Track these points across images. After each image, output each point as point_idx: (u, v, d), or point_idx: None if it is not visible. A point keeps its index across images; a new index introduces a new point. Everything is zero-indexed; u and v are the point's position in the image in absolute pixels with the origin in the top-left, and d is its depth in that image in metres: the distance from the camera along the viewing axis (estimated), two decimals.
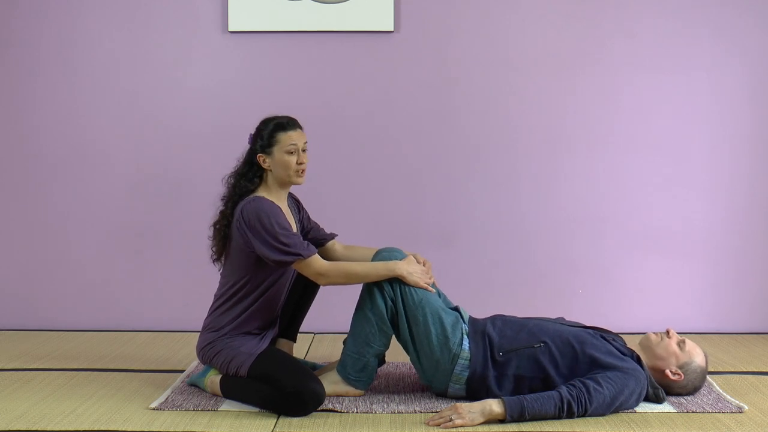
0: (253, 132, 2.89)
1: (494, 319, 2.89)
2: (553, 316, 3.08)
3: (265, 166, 2.83)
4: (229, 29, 3.90)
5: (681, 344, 2.80)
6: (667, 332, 2.83)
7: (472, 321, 2.86)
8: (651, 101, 3.92)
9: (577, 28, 3.91)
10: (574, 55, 3.92)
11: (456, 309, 2.89)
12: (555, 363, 2.71)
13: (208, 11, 3.92)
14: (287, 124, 2.85)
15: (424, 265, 2.86)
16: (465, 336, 2.77)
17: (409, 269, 2.78)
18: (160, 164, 3.96)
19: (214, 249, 2.90)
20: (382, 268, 2.77)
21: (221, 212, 2.86)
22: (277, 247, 2.71)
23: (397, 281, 2.77)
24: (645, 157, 3.93)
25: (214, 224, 2.88)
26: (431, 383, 2.83)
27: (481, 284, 3.94)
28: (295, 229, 2.89)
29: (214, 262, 2.93)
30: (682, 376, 2.78)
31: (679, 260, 3.95)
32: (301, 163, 2.83)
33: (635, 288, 3.96)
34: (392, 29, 3.89)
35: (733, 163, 3.94)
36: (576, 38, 3.91)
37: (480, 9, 3.91)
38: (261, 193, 2.84)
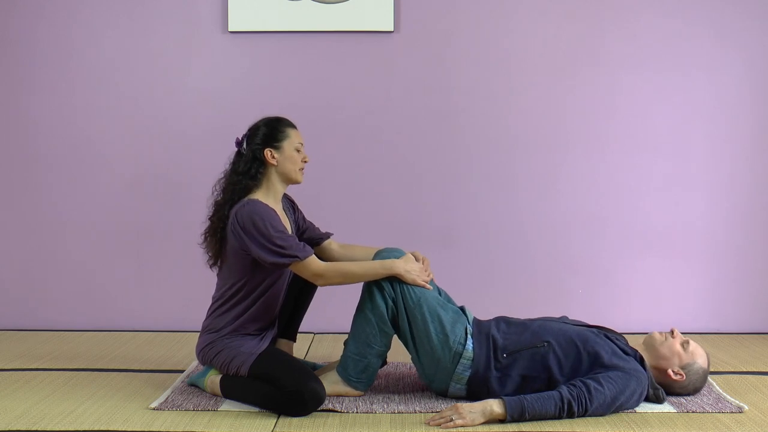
0: (244, 134, 2.88)
1: (498, 321, 2.89)
2: (556, 316, 3.07)
3: (272, 161, 2.83)
4: (229, 29, 3.90)
5: (685, 345, 2.81)
6: (672, 332, 2.84)
7: (477, 322, 2.86)
8: (651, 101, 3.92)
9: (577, 27, 3.91)
10: (574, 55, 3.92)
11: (462, 309, 2.89)
12: (558, 362, 2.71)
13: (208, 11, 3.92)
14: (291, 122, 2.90)
15: (422, 263, 2.86)
16: (469, 336, 2.77)
17: (406, 267, 2.78)
18: (160, 164, 3.96)
19: (210, 253, 2.88)
20: (379, 267, 2.77)
21: (216, 217, 2.84)
22: (273, 250, 2.71)
23: (396, 280, 2.77)
24: (645, 157, 3.93)
25: (208, 230, 2.86)
26: (432, 382, 2.83)
27: (481, 284, 3.94)
28: (290, 230, 2.89)
29: (211, 267, 2.92)
30: (684, 377, 2.78)
31: (680, 260, 3.95)
32: (305, 161, 2.88)
33: (635, 288, 3.96)
34: (392, 29, 3.89)
35: (733, 163, 3.94)
36: (576, 38, 3.91)
37: (480, 9, 3.91)
38: (258, 194, 2.84)
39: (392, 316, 2.78)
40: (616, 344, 2.76)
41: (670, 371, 2.78)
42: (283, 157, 2.84)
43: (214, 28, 3.93)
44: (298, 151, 2.85)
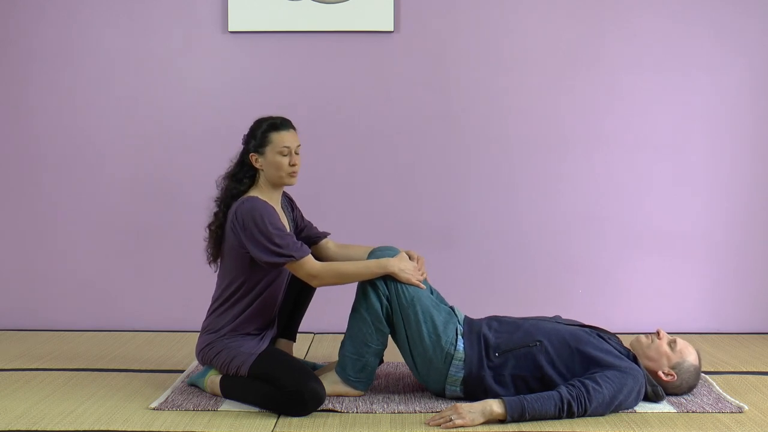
0: (246, 132, 2.89)
1: (490, 320, 2.89)
2: (549, 315, 3.07)
3: (257, 165, 2.83)
4: (229, 29, 3.90)
5: (672, 344, 2.80)
6: (657, 333, 2.83)
7: (468, 321, 2.86)
8: (651, 101, 3.92)
9: (577, 27, 3.91)
10: (574, 55, 3.92)
11: (452, 309, 2.89)
12: (551, 362, 2.71)
13: (208, 11, 3.92)
14: (281, 124, 2.85)
15: (417, 262, 2.86)
16: (460, 336, 2.77)
17: (400, 266, 2.78)
18: (160, 164, 3.96)
19: (209, 251, 2.90)
20: (374, 266, 2.77)
21: (214, 214, 2.87)
22: (270, 249, 2.71)
23: (391, 279, 2.77)
24: (645, 157, 3.93)
25: (209, 226, 2.89)
26: (426, 384, 2.83)
27: (480, 284, 3.94)
28: (288, 229, 2.89)
29: (210, 264, 2.93)
30: (675, 377, 2.78)
31: (680, 260, 3.95)
32: (293, 165, 2.82)
33: (635, 288, 3.96)
34: (392, 29, 3.89)
35: (733, 163, 3.94)
36: (576, 38, 3.91)
37: (480, 9, 3.91)
38: (253, 193, 2.84)
39: (387, 315, 2.78)
40: (609, 344, 2.75)
41: (660, 373, 2.77)
42: (266, 162, 2.82)
43: (214, 28, 3.93)
44: (284, 154, 2.80)
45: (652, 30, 3.90)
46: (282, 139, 2.81)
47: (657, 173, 3.94)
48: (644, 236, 3.95)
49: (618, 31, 3.90)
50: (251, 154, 2.83)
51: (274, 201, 2.88)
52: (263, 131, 2.83)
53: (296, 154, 2.84)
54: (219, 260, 2.90)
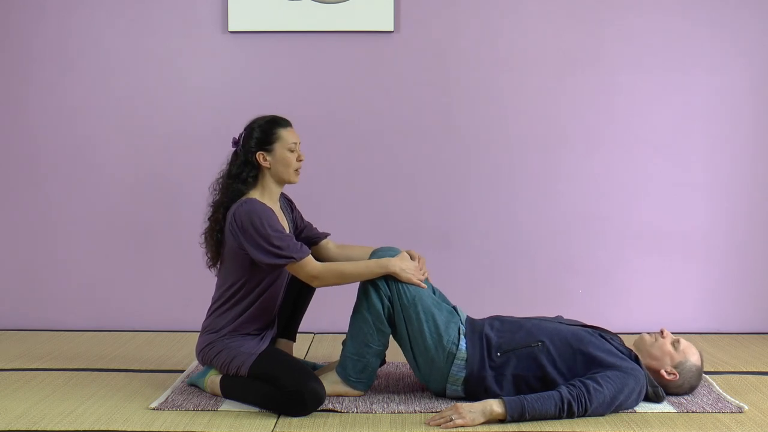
0: (241, 134, 2.88)
1: (492, 320, 2.89)
2: (551, 316, 3.07)
3: (264, 164, 2.83)
4: (229, 29, 3.90)
5: (675, 344, 2.80)
6: (661, 332, 2.83)
7: (470, 321, 2.86)
8: (651, 101, 3.92)
9: (577, 28, 3.91)
10: (574, 55, 3.92)
11: (454, 309, 2.89)
12: (553, 362, 2.71)
13: (208, 11, 3.92)
14: (283, 121, 2.88)
15: (418, 262, 2.86)
16: (462, 336, 2.77)
17: (401, 266, 2.77)
18: (160, 164, 3.96)
19: (208, 255, 2.89)
20: (374, 266, 2.77)
21: (213, 218, 2.85)
22: (269, 251, 2.71)
23: (392, 279, 2.77)
24: (645, 157, 3.93)
25: (207, 231, 2.87)
26: (428, 383, 2.83)
27: (480, 285, 3.94)
28: (288, 230, 2.89)
29: (209, 268, 2.93)
30: (678, 376, 2.78)
31: (680, 260, 3.95)
32: (300, 161, 2.86)
33: (635, 288, 3.96)
34: (392, 29, 3.89)
35: (733, 163, 3.94)
36: (575, 38, 3.91)
37: (480, 9, 3.91)
38: (254, 194, 2.84)
39: (389, 315, 2.78)
40: (611, 344, 2.75)
41: (662, 371, 2.78)
42: (274, 159, 2.83)
43: (214, 28, 3.93)
44: (292, 150, 2.83)
45: (652, 30, 3.90)
46: (290, 135, 2.85)
47: (657, 173, 3.94)
48: (644, 236, 3.95)
49: (618, 31, 3.90)
50: (258, 152, 2.82)
51: (274, 201, 2.88)
52: (268, 129, 2.84)
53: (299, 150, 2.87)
54: (219, 263, 2.90)
